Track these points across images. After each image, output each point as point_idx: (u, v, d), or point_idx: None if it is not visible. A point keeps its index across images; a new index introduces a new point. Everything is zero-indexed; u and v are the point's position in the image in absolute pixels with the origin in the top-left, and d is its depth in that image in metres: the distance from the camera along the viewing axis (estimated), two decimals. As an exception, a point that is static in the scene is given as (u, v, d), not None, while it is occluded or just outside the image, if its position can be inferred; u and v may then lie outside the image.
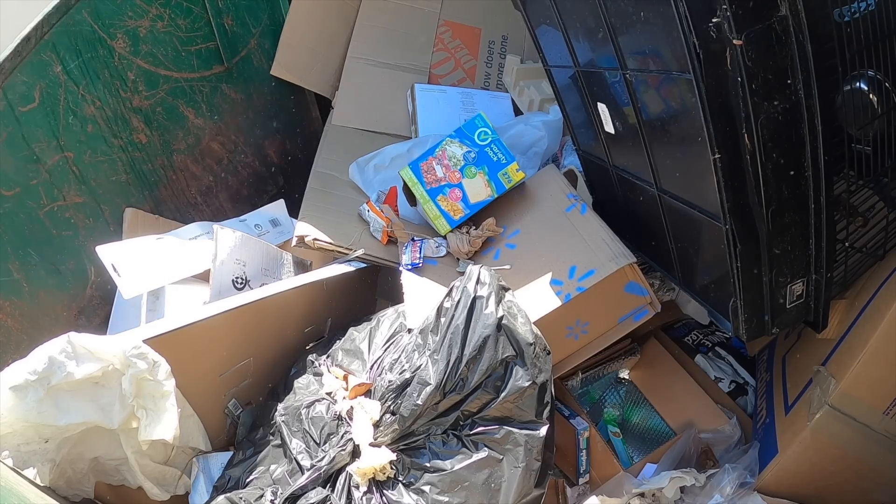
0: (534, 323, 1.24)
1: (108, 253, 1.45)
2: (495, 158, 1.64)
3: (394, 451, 1.14)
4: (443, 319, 1.19)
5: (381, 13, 1.99)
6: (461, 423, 1.15)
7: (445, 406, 1.15)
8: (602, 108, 1.36)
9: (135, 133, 1.66)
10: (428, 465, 1.13)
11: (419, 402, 1.13)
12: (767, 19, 0.89)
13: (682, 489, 1.37)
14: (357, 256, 1.57)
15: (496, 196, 1.64)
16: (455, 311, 1.17)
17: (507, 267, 1.51)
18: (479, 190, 1.64)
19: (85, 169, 1.55)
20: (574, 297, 1.43)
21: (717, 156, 0.98)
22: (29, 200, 1.45)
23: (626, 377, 1.75)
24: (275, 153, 2.07)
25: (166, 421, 1.14)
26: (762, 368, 1.65)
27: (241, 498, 1.15)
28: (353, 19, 1.99)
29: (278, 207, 1.82)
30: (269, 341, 1.37)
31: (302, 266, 1.70)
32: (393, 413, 1.16)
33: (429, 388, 1.13)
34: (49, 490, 1.16)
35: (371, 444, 1.14)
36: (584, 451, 1.51)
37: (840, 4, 0.96)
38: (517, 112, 2.05)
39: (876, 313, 1.22)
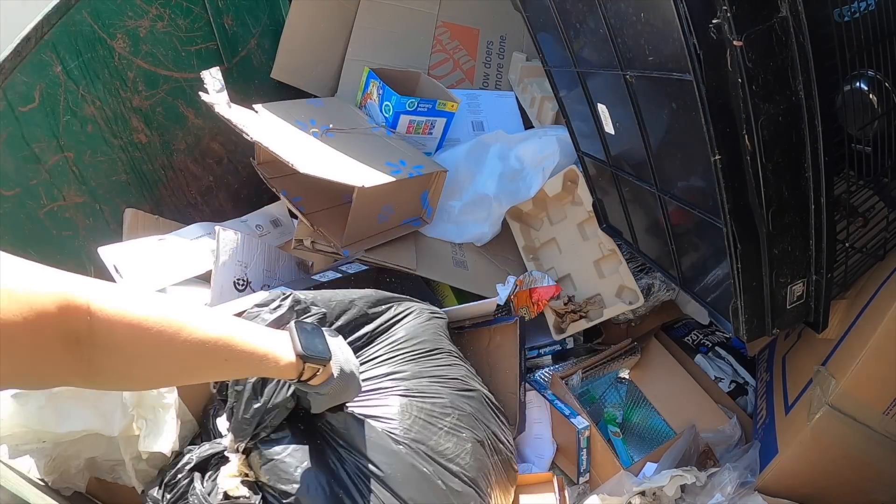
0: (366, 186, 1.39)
1: (110, 254, 1.45)
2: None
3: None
4: None
5: (378, 15, 1.99)
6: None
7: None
8: (602, 108, 1.36)
9: (135, 133, 1.66)
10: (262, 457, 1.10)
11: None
12: (768, 20, 0.89)
13: (683, 488, 1.38)
14: (357, 259, 1.57)
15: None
16: None
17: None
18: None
19: (85, 169, 1.55)
20: (410, 178, 1.54)
21: (717, 157, 0.98)
22: (29, 200, 1.45)
23: (626, 377, 1.75)
24: (275, 153, 2.07)
25: (166, 433, 1.14)
26: (762, 368, 1.65)
27: (145, 493, 1.16)
28: (352, 21, 1.99)
29: (279, 207, 1.82)
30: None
31: (304, 267, 1.70)
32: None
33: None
34: (42, 483, 1.17)
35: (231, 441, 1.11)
36: (584, 450, 1.51)
37: (840, 4, 0.96)
38: (521, 110, 2.05)
39: (876, 313, 1.22)
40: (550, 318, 1.74)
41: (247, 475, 1.08)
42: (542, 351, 1.75)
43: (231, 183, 1.95)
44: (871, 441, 1.24)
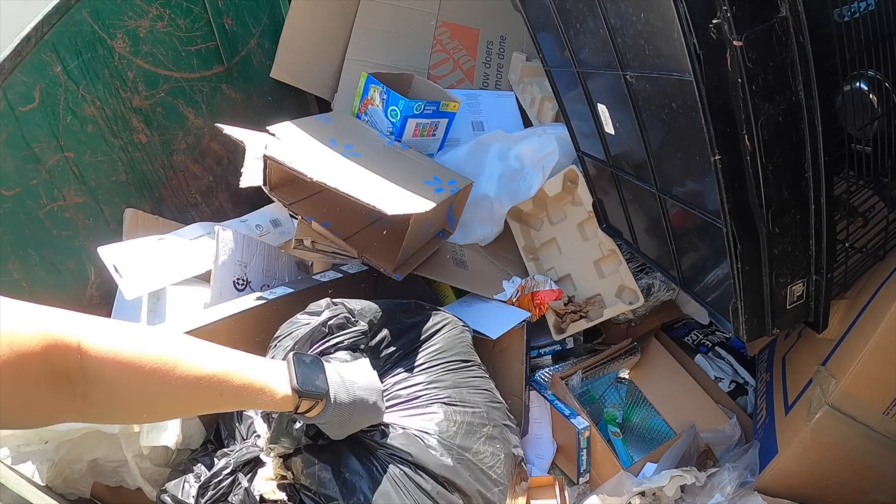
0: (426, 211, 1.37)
1: (109, 254, 1.45)
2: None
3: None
4: None
5: (378, 15, 1.99)
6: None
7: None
8: (602, 108, 1.36)
9: (135, 133, 1.66)
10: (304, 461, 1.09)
11: None
12: (768, 20, 0.89)
13: (683, 488, 1.38)
14: (358, 259, 1.57)
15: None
16: None
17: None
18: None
19: (85, 169, 1.55)
20: (450, 195, 1.55)
21: (717, 157, 0.98)
22: (29, 200, 1.45)
23: (626, 377, 1.75)
24: (275, 153, 2.07)
25: (169, 427, 1.14)
26: (762, 368, 1.65)
27: (164, 491, 1.14)
28: (352, 21, 1.99)
29: (279, 207, 1.82)
30: (269, 343, 1.37)
31: (303, 267, 1.70)
32: None
33: None
34: (47, 489, 1.16)
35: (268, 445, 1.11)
36: (584, 450, 1.51)
37: (840, 4, 0.96)
38: (521, 110, 2.05)
39: (876, 313, 1.23)
40: (551, 319, 1.74)
41: (284, 477, 1.07)
42: (542, 351, 1.75)
43: (231, 183, 1.95)
44: (871, 441, 1.24)
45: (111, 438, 1.18)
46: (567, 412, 1.54)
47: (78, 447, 1.19)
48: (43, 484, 1.16)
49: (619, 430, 1.66)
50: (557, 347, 1.75)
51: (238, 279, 1.50)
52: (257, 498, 1.06)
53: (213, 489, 1.09)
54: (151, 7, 1.62)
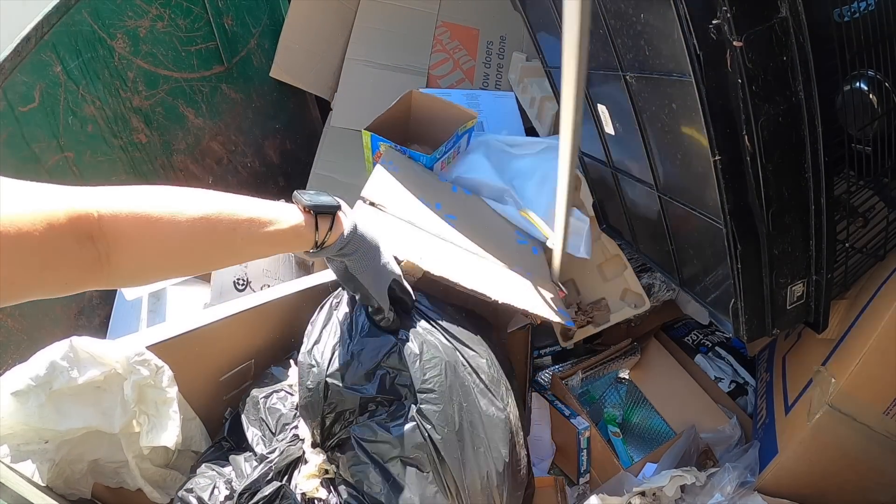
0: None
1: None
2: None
3: (326, 449, 1.10)
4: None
5: (378, 15, 1.99)
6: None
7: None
8: (602, 109, 1.36)
9: (135, 133, 1.66)
10: (353, 458, 1.09)
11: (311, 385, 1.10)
12: (767, 21, 0.89)
13: (683, 488, 1.38)
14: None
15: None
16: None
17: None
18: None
19: (85, 169, 1.55)
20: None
21: (717, 157, 0.98)
22: (29, 201, 1.45)
23: (626, 377, 1.75)
24: (275, 153, 2.07)
25: (169, 427, 1.14)
26: (762, 368, 1.65)
27: (191, 491, 1.14)
28: (351, 21, 1.99)
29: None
30: (271, 343, 1.37)
31: (304, 267, 1.70)
32: None
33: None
34: (47, 489, 1.16)
35: (312, 444, 1.10)
36: (584, 450, 1.51)
37: (840, 4, 0.96)
38: (521, 110, 2.05)
39: (876, 313, 1.23)
40: (557, 326, 1.72)
41: (326, 472, 1.07)
42: (542, 351, 1.75)
43: (231, 183, 1.95)
44: (871, 441, 1.24)
45: (112, 438, 1.18)
46: (567, 412, 1.55)
47: (78, 447, 1.19)
48: (43, 484, 1.16)
49: (619, 431, 1.66)
50: (557, 348, 1.75)
51: (238, 279, 1.50)
52: (299, 499, 1.05)
53: (254, 496, 1.07)
54: (151, 7, 1.62)
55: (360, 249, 1.00)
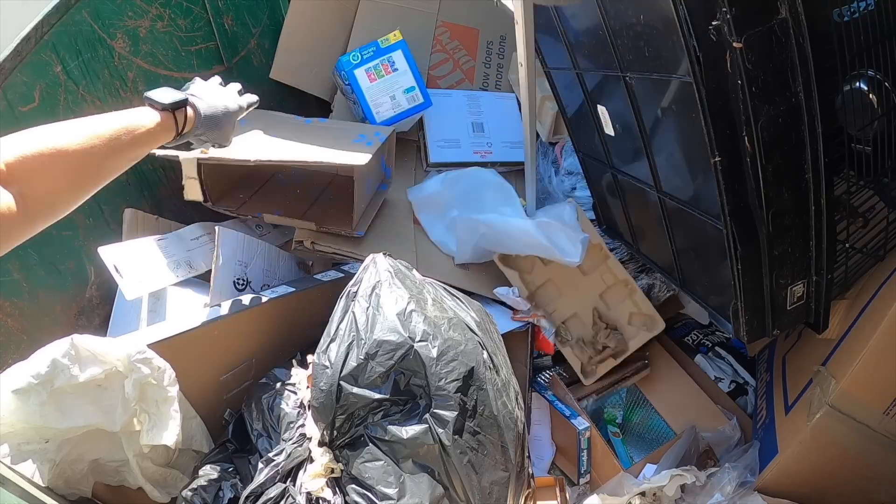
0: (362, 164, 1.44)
1: (110, 254, 1.45)
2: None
3: (334, 448, 1.10)
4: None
5: (378, 15, 1.99)
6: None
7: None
8: (602, 110, 1.36)
9: (135, 133, 1.66)
10: (366, 454, 1.09)
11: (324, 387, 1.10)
12: (767, 22, 0.89)
13: (683, 488, 1.38)
14: (360, 259, 1.57)
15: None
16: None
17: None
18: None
19: (85, 169, 1.55)
20: (382, 143, 1.63)
21: (717, 159, 0.98)
22: (29, 201, 1.45)
23: (626, 377, 1.75)
24: (275, 153, 2.07)
25: (170, 426, 1.14)
26: (762, 368, 1.65)
27: (195, 491, 1.14)
28: (351, 21, 1.99)
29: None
30: (271, 342, 1.37)
31: (304, 267, 1.70)
32: None
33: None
34: (48, 490, 1.16)
35: (319, 443, 1.11)
36: (584, 451, 1.51)
37: (839, 4, 0.96)
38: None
39: (876, 313, 1.23)
40: (576, 364, 1.66)
41: (332, 471, 1.07)
42: (542, 352, 1.75)
43: (231, 183, 1.95)
44: (871, 441, 1.24)
45: (112, 437, 1.18)
46: (567, 413, 1.55)
47: (79, 447, 1.19)
48: (44, 485, 1.16)
49: (619, 431, 1.66)
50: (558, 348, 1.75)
51: (238, 279, 1.50)
52: (303, 500, 1.05)
53: (259, 498, 1.08)
54: (151, 7, 1.62)
55: (210, 125, 1.14)
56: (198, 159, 1.53)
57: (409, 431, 1.06)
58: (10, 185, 0.82)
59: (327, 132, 1.69)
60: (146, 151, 1.06)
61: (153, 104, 1.05)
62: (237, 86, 1.26)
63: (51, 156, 0.87)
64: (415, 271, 1.28)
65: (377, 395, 1.07)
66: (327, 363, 1.10)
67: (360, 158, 1.49)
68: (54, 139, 0.88)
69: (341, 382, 1.07)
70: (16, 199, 0.82)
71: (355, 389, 1.07)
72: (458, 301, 1.26)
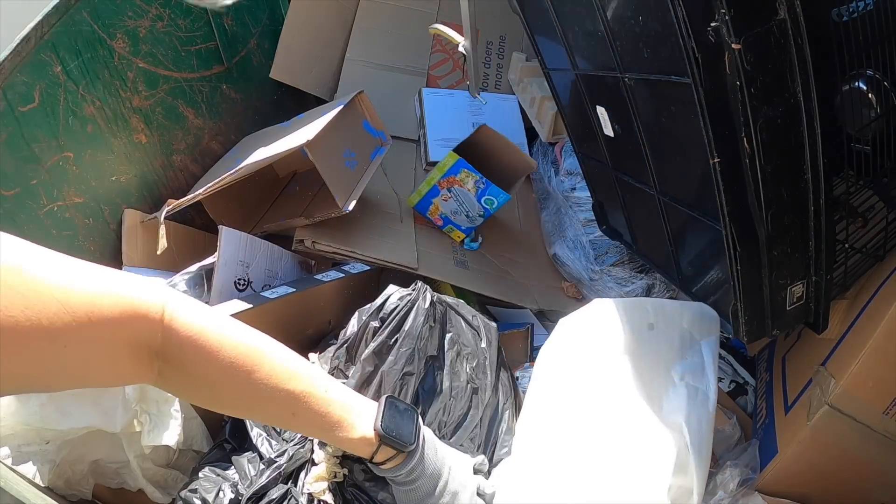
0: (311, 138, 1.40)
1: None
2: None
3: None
4: None
5: (378, 15, 1.99)
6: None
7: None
8: (601, 111, 1.36)
9: (135, 133, 1.66)
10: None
11: None
12: (766, 23, 0.89)
13: (682, 488, 1.38)
14: (361, 259, 1.57)
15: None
16: None
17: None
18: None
19: (85, 169, 1.55)
20: (341, 108, 1.57)
21: (716, 160, 0.98)
22: (29, 200, 1.45)
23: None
24: (275, 153, 2.07)
25: (171, 427, 1.14)
26: (762, 368, 1.65)
27: (195, 492, 1.14)
28: (351, 21, 1.99)
29: (279, 208, 1.82)
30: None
31: (305, 267, 1.71)
32: None
33: None
34: (48, 490, 1.17)
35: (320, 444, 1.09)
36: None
37: (839, 4, 0.96)
38: (522, 111, 2.05)
39: (876, 313, 1.22)
40: None
41: (335, 474, 1.06)
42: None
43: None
44: (871, 441, 1.24)
45: (113, 438, 1.18)
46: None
47: (80, 448, 1.19)
48: (44, 485, 1.16)
49: (618, 430, 1.66)
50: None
51: (239, 279, 1.50)
52: (305, 502, 1.04)
53: (262, 500, 1.07)
54: (151, 7, 1.62)
55: (409, 481, 0.90)
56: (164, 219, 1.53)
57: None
58: (157, 353, 0.66)
59: (301, 125, 1.67)
60: (317, 438, 0.93)
61: (378, 416, 0.85)
62: (485, 465, 1.00)
63: (219, 364, 0.69)
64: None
65: None
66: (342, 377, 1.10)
67: (303, 136, 1.43)
68: (244, 350, 0.71)
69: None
70: (156, 371, 0.67)
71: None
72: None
